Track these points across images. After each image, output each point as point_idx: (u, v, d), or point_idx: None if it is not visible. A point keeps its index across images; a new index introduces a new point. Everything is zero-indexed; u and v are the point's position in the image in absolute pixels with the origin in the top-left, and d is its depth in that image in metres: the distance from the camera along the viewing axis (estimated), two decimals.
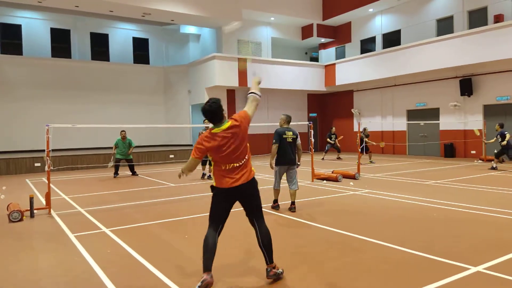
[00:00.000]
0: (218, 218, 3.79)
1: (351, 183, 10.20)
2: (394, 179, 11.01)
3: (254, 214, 3.90)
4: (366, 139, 16.13)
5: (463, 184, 9.79)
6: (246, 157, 3.82)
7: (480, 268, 4.08)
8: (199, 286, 3.47)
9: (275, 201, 7.27)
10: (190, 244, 5.19)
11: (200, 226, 6.16)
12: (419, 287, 3.64)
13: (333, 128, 18.98)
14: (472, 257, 4.43)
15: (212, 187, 3.84)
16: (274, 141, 6.91)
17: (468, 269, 4.06)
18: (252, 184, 3.85)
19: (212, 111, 3.70)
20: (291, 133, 6.98)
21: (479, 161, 15.44)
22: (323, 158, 18.28)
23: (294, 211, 6.91)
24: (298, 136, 7.12)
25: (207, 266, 3.61)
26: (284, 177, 7.18)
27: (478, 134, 14.90)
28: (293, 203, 7.04)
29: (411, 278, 3.88)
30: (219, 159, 3.73)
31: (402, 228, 5.78)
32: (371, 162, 15.96)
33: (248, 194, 3.85)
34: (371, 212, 6.93)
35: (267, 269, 3.82)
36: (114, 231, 5.89)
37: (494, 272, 3.97)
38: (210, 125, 3.83)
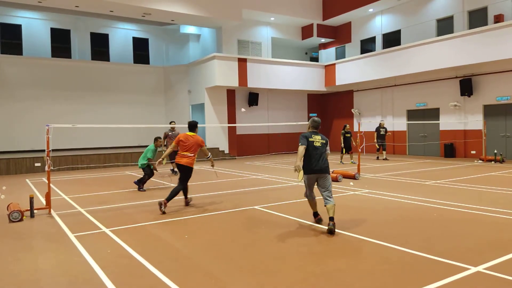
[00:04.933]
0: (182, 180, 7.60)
1: (351, 183, 10.20)
2: (394, 179, 11.01)
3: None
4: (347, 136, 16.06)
5: (463, 184, 9.79)
6: (192, 154, 7.45)
7: (480, 268, 4.08)
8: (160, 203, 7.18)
9: (315, 213, 6.26)
10: (190, 244, 5.19)
11: (200, 226, 6.16)
12: (419, 287, 3.64)
13: (382, 121, 17.55)
14: (472, 257, 4.43)
15: None
16: (300, 143, 6.02)
17: (468, 269, 4.06)
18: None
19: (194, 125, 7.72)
20: (319, 137, 6.07)
21: (479, 161, 15.44)
22: (385, 158, 17.32)
23: (333, 229, 5.54)
24: (328, 144, 6.21)
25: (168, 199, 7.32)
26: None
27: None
28: (331, 218, 5.68)
29: (411, 278, 3.88)
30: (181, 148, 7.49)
31: (402, 228, 5.78)
32: (352, 162, 16.03)
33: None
34: (371, 212, 6.93)
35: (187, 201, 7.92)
36: (114, 231, 5.89)
37: (494, 272, 3.97)
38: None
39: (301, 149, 5.94)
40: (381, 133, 17.21)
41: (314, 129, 6.19)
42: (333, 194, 6.06)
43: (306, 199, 6.33)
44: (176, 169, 13.67)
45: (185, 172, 7.48)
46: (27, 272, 4.28)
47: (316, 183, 6.07)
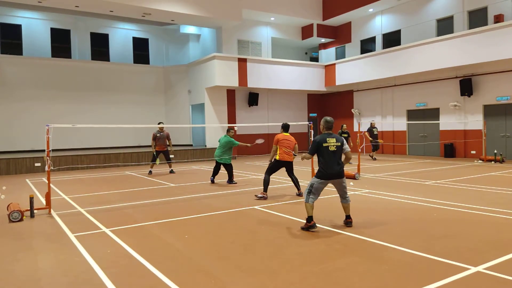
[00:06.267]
0: (272, 171, 8.57)
1: (351, 183, 10.20)
2: (394, 179, 11.01)
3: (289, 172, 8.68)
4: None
5: (463, 184, 9.79)
6: (292, 151, 8.45)
7: (480, 268, 4.08)
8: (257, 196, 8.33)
9: (311, 218, 5.73)
10: (190, 244, 5.19)
11: (199, 226, 6.16)
12: (419, 287, 3.64)
13: (373, 121, 17.63)
14: (472, 257, 4.43)
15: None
16: (308, 151, 5.92)
17: (468, 269, 4.06)
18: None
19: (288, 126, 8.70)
20: (334, 140, 5.82)
21: (479, 161, 15.44)
22: (374, 158, 17.44)
23: (351, 226, 5.90)
24: (345, 143, 5.96)
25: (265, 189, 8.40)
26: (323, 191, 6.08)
27: None
28: (348, 217, 5.99)
29: (411, 278, 3.88)
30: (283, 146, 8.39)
31: (402, 228, 5.78)
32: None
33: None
34: (371, 212, 6.93)
35: (297, 193, 8.64)
36: (114, 231, 5.89)
37: (494, 272, 3.97)
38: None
39: (307, 156, 5.93)
40: (374, 133, 17.29)
41: (328, 130, 5.94)
42: (332, 195, 6.07)
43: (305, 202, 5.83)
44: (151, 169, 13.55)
45: (288, 166, 8.51)
46: (27, 272, 4.28)
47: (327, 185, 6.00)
